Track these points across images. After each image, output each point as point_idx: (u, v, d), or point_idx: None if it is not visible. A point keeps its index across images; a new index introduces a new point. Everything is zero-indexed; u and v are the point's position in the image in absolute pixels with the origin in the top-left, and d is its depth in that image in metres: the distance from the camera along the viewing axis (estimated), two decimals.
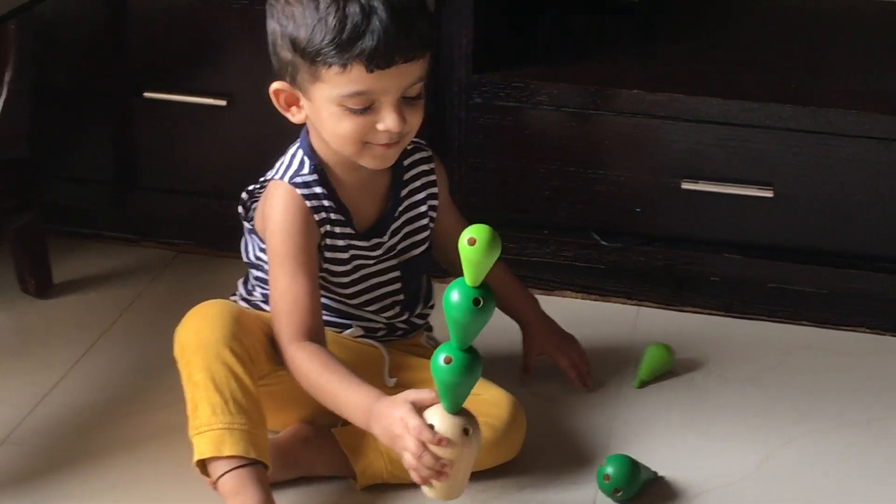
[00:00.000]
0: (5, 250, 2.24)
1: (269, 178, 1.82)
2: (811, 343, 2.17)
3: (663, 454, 1.89)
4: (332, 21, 1.67)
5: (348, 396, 1.70)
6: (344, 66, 1.68)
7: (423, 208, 1.88)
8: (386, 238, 1.85)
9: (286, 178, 1.79)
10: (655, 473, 1.84)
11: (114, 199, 2.39)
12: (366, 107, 1.71)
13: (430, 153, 1.89)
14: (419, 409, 1.65)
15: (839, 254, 2.17)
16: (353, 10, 1.67)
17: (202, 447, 1.69)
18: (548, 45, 2.33)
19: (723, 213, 2.18)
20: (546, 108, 2.18)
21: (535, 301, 2.04)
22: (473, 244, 1.51)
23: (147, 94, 2.27)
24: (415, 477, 1.65)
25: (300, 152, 1.81)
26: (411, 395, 1.66)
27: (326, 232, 1.80)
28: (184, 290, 2.25)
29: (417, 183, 1.88)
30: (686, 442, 1.92)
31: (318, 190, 1.79)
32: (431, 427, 1.62)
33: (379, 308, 1.87)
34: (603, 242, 2.22)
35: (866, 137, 2.09)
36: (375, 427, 1.67)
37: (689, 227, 2.20)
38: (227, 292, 1.94)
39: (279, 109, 1.79)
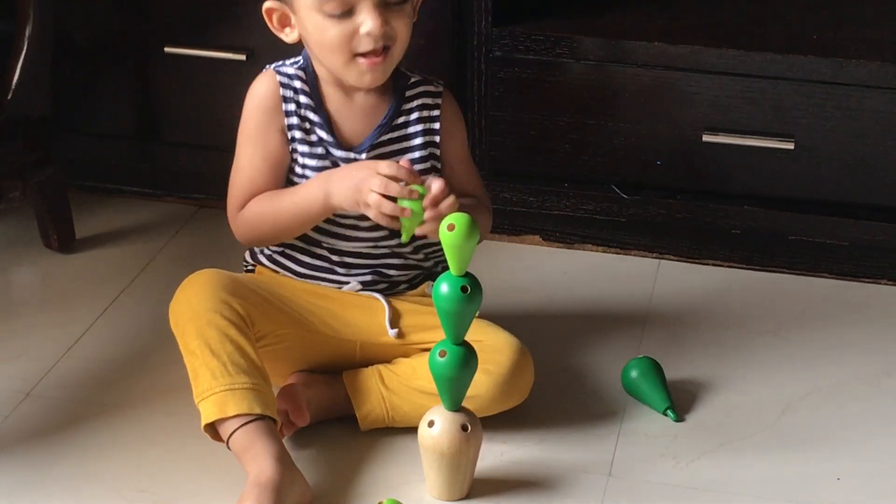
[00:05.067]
0: (28, 206, 2.25)
1: None
2: (832, 295, 2.17)
3: (683, 405, 1.89)
4: None
5: (299, 193, 1.77)
6: None
7: (417, 141, 1.84)
8: (363, 157, 1.82)
9: (272, 67, 1.84)
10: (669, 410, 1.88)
11: (135, 155, 2.40)
12: (345, 11, 1.72)
13: (439, 90, 1.86)
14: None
15: (860, 206, 2.16)
16: None
17: (207, 412, 1.70)
18: None
19: (744, 166, 2.17)
20: (566, 61, 2.17)
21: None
22: (452, 230, 1.59)
23: (168, 49, 2.28)
24: (377, 217, 1.70)
25: (299, 59, 1.84)
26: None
27: (294, 125, 1.81)
28: (206, 244, 2.26)
29: (415, 115, 1.84)
30: (706, 394, 1.93)
31: (297, 84, 1.82)
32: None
33: (359, 224, 1.83)
34: (623, 195, 2.22)
35: (888, 89, 2.08)
36: (337, 188, 1.73)
37: (709, 179, 2.20)
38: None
39: (273, 30, 1.81)
